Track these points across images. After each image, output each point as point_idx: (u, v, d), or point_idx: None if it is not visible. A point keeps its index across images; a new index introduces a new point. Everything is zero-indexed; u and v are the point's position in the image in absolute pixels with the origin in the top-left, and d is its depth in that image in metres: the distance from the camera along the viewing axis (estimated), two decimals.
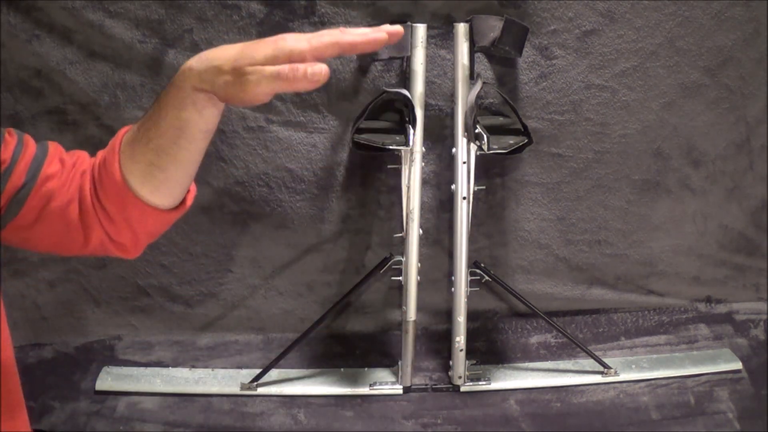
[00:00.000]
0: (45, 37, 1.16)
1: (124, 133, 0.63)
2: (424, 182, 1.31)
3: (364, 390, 1.36)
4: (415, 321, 1.30)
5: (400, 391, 1.36)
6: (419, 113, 1.16)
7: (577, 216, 1.43)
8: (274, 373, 1.38)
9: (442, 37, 1.21)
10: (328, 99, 1.25)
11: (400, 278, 1.27)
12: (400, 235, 1.24)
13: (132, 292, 1.43)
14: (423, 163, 1.21)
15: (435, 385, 1.39)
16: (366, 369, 1.42)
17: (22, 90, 1.21)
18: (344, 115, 1.27)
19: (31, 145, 0.62)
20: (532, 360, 1.46)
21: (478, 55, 1.22)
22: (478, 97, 1.15)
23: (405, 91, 1.14)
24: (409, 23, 1.12)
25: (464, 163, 1.20)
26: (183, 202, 0.67)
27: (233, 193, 1.32)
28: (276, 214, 1.35)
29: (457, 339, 1.32)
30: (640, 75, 1.28)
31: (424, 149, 1.20)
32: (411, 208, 1.21)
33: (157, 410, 1.32)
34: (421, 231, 1.25)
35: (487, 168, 1.33)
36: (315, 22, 1.18)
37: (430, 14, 1.19)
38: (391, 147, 1.13)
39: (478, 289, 1.37)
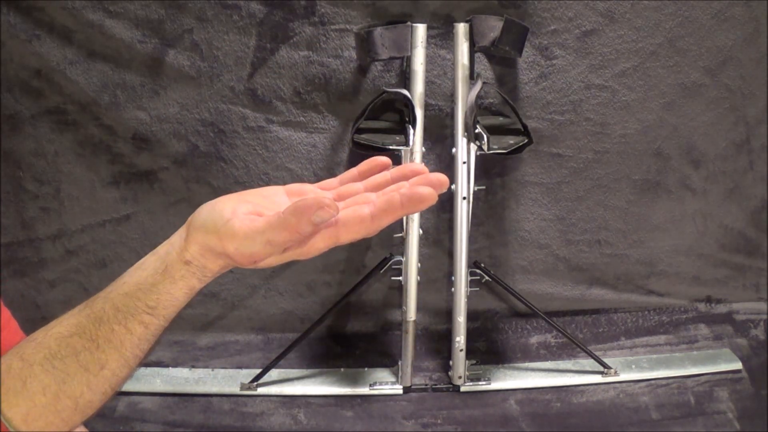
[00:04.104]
0: (45, 37, 1.16)
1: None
2: None
3: (364, 390, 1.36)
4: (415, 321, 1.30)
5: (400, 391, 1.36)
6: (419, 113, 1.16)
7: (577, 216, 1.43)
8: (274, 373, 1.38)
9: (442, 37, 1.21)
10: (328, 99, 1.25)
11: (400, 278, 1.27)
12: (400, 235, 1.24)
13: None
14: (423, 163, 1.21)
15: (435, 385, 1.39)
16: (366, 369, 1.42)
17: (22, 90, 1.21)
18: (344, 115, 1.27)
19: None
20: (532, 360, 1.46)
21: (478, 55, 1.22)
22: (478, 97, 1.15)
23: (405, 91, 1.14)
24: (409, 23, 1.12)
25: (464, 163, 1.20)
26: None
27: None
28: None
29: (457, 339, 1.32)
30: (640, 75, 1.28)
31: (424, 149, 1.20)
32: None
33: (157, 410, 1.32)
34: (421, 231, 1.25)
35: (487, 168, 1.33)
36: (315, 22, 1.18)
37: (430, 14, 1.19)
38: (391, 147, 1.13)
39: (478, 289, 1.37)
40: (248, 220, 0.43)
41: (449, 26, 1.18)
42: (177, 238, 0.47)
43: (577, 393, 1.37)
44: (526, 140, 1.16)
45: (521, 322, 1.53)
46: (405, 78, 1.20)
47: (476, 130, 1.14)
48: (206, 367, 1.42)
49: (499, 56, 1.24)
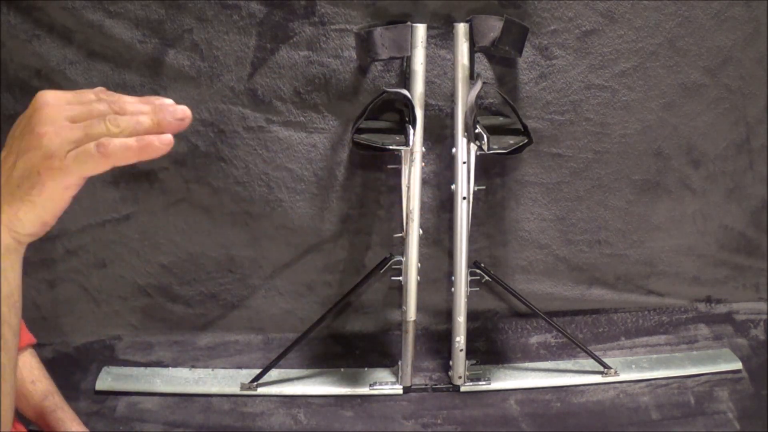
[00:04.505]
0: (45, 37, 1.16)
1: None
2: (424, 182, 1.31)
3: (364, 390, 1.36)
4: (415, 321, 1.30)
5: (400, 391, 1.36)
6: (419, 113, 1.16)
7: (577, 216, 1.43)
8: (274, 373, 1.37)
9: (442, 37, 1.21)
10: (328, 99, 1.25)
11: (400, 278, 1.27)
12: (400, 235, 1.24)
13: (132, 292, 1.43)
14: (423, 163, 1.21)
15: (435, 385, 1.39)
16: (366, 369, 1.42)
17: (22, 90, 1.21)
18: (344, 115, 1.27)
19: None
20: (532, 360, 1.46)
21: (478, 55, 1.22)
22: (478, 97, 1.15)
23: (405, 91, 1.14)
24: (409, 23, 1.12)
25: (464, 163, 1.20)
26: None
27: (233, 193, 1.32)
28: (276, 214, 1.35)
29: (457, 339, 1.32)
30: (640, 75, 1.28)
31: (424, 149, 1.20)
32: (411, 208, 1.20)
33: (157, 410, 1.32)
34: (421, 231, 1.25)
35: (487, 168, 1.33)
36: (315, 22, 1.18)
37: (430, 14, 1.19)
38: (391, 147, 1.13)
39: (478, 289, 1.37)
40: None
41: (449, 26, 1.18)
42: None
43: (577, 393, 1.37)
44: (526, 140, 1.16)
45: (521, 322, 1.53)
46: (405, 78, 1.20)
47: (476, 130, 1.14)
48: (206, 367, 1.42)
49: (499, 56, 1.24)
